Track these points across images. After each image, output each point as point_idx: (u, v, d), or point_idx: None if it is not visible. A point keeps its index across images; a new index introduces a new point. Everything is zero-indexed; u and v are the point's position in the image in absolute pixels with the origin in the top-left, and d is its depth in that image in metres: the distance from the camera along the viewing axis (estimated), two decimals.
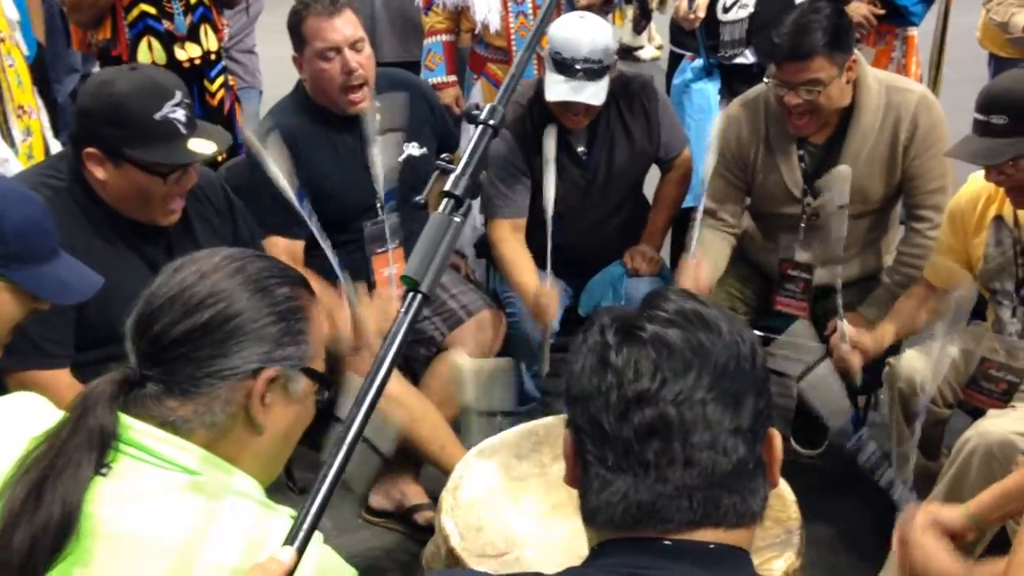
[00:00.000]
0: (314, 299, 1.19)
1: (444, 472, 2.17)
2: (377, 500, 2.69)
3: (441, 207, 0.90)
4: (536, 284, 2.69)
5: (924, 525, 1.73)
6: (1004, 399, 2.28)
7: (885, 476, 1.86)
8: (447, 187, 0.91)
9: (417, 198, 0.92)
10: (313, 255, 2.59)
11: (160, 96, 1.91)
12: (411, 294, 0.86)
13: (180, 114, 1.92)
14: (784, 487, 1.88)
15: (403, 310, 0.86)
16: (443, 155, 0.96)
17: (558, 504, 1.85)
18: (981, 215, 2.31)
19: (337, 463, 0.81)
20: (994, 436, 2.11)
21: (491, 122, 0.95)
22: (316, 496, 0.81)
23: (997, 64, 3.45)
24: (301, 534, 0.80)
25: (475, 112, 0.95)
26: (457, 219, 0.89)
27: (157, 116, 1.89)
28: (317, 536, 1.01)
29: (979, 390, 2.32)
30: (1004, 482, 1.82)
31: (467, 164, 0.91)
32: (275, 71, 3.81)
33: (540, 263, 2.86)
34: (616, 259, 2.94)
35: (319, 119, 2.59)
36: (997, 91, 2.12)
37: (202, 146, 1.95)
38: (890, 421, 2.49)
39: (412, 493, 2.64)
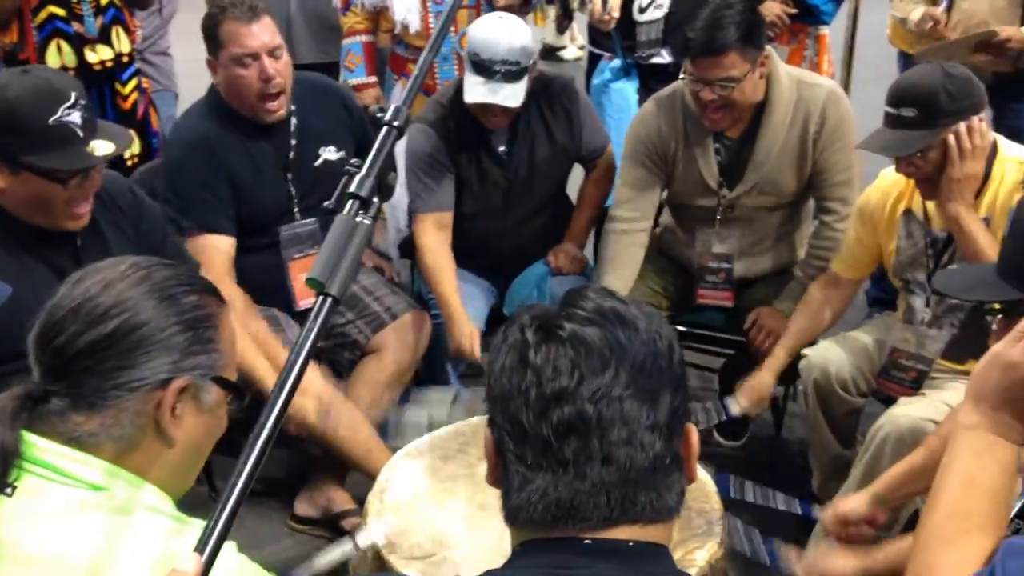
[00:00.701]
0: (224, 307, 1.17)
1: (370, 476, 2.15)
2: (303, 507, 2.66)
3: (346, 209, 0.89)
4: (457, 303, 2.70)
5: (829, 532, 1.78)
6: (915, 387, 2.35)
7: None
8: (351, 189, 0.90)
9: (326, 203, 0.91)
10: (240, 260, 2.56)
11: (54, 99, 1.84)
12: (320, 298, 0.85)
13: (76, 116, 1.86)
14: (706, 478, 1.91)
15: (313, 314, 0.85)
16: (353, 160, 0.95)
17: (485, 504, 1.86)
18: (891, 211, 2.38)
19: (247, 470, 0.80)
20: (905, 422, 2.17)
21: (396, 123, 0.95)
22: (226, 504, 0.79)
23: (906, 61, 3.55)
24: (211, 543, 0.79)
25: (379, 114, 0.94)
26: (363, 221, 0.88)
27: (51, 120, 1.83)
28: (230, 545, 0.99)
29: (891, 379, 2.39)
30: (908, 459, 1.89)
31: (371, 165, 0.90)
32: (191, 73, 3.73)
33: (466, 263, 2.87)
34: (540, 258, 2.96)
35: (234, 123, 2.55)
36: (906, 85, 2.18)
37: (102, 148, 1.90)
38: (807, 411, 2.55)
39: (338, 499, 2.62)
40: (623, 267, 2.76)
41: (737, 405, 2.50)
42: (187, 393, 1.12)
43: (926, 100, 2.12)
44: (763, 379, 2.53)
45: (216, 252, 2.50)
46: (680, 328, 2.80)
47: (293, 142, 2.60)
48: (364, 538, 1.78)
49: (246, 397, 1.14)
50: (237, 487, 0.79)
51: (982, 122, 2.14)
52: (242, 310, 2.44)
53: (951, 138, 2.11)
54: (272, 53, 2.47)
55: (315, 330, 0.84)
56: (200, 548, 0.79)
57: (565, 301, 0.98)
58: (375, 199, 0.91)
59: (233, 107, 2.54)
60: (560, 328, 0.94)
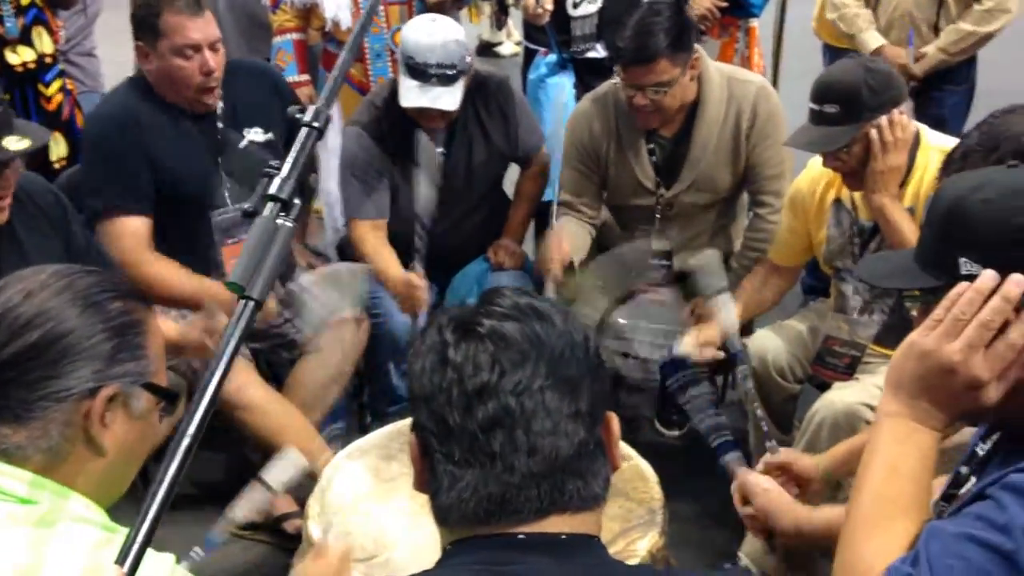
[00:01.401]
0: (150, 312, 1.15)
1: (312, 478, 2.13)
2: (242, 510, 2.62)
3: (267, 210, 0.89)
4: (402, 272, 2.68)
5: (766, 470, 1.82)
6: (848, 372, 2.40)
7: (705, 422, 1.94)
8: (271, 190, 0.89)
9: (246, 206, 0.90)
10: (171, 247, 2.52)
11: None
12: (242, 301, 0.84)
13: None
14: (647, 468, 1.93)
15: (234, 318, 0.84)
16: (273, 162, 0.94)
17: (428, 503, 1.85)
18: (821, 199, 2.43)
19: (169, 476, 0.79)
20: (840, 407, 2.22)
21: (315, 124, 0.94)
22: (147, 512, 0.78)
23: (832, 54, 3.62)
24: (132, 552, 0.77)
25: (298, 115, 0.94)
26: (284, 223, 0.87)
27: None
28: (166, 557, 0.97)
29: (825, 365, 2.43)
30: (852, 440, 1.94)
31: (292, 167, 0.90)
32: (119, 74, 3.66)
33: (406, 262, 2.85)
34: (479, 255, 2.96)
35: (163, 107, 2.51)
36: (829, 81, 2.22)
37: (14, 144, 1.86)
38: (745, 399, 2.58)
39: (280, 502, 2.59)
40: (576, 233, 2.77)
41: (686, 343, 2.54)
42: (116, 401, 1.10)
43: (848, 96, 2.16)
44: (712, 331, 2.55)
45: (131, 234, 2.44)
46: (621, 321, 2.83)
47: (220, 125, 2.57)
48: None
49: (178, 403, 1.13)
50: (159, 494, 0.78)
51: (903, 114, 2.18)
52: (176, 271, 2.45)
53: (874, 132, 2.16)
54: (213, 46, 2.45)
55: (237, 334, 0.83)
56: (121, 559, 0.78)
57: (482, 300, 1.00)
58: (296, 201, 0.90)
59: (163, 94, 2.49)
60: (478, 325, 0.95)
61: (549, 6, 3.19)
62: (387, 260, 2.76)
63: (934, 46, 3.29)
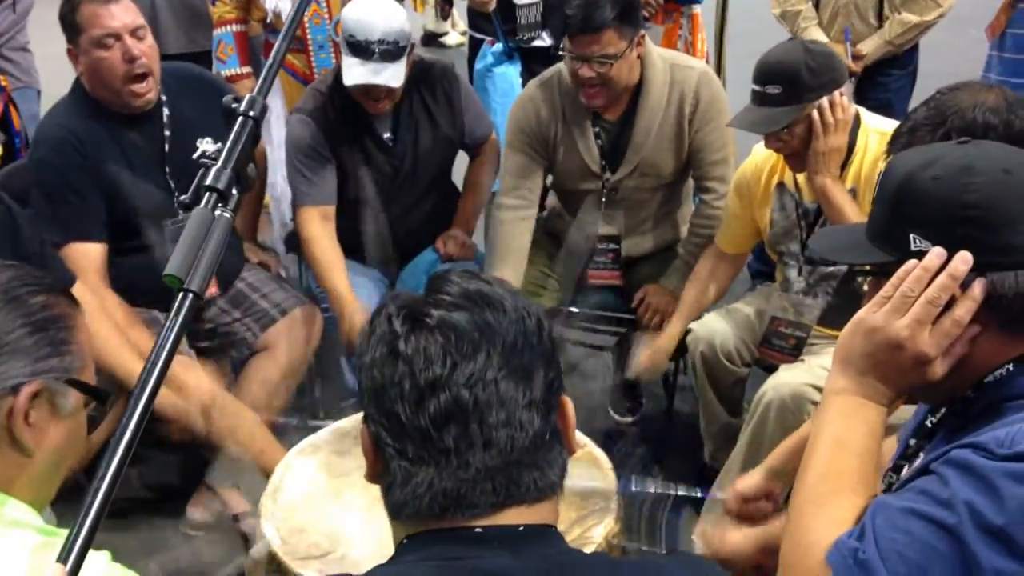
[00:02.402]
0: (77, 307, 1.11)
1: (265, 476, 2.11)
2: (197, 512, 2.59)
3: (203, 202, 0.86)
4: (348, 292, 2.65)
5: (734, 510, 1.82)
6: (795, 354, 2.43)
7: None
8: (208, 181, 0.87)
9: (182, 197, 0.88)
10: (119, 261, 2.48)
11: None
12: (180, 294, 0.82)
13: None
14: (601, 456, 1.94)
15: (172, 312, 0.82)
16: (210, 152, 0.92)
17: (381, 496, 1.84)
18: (766, 184, 2.46)
19: (110, 474, 0.76)
20: (786, 389, 2.25)
21: (251, 114, 0.92)
22: (88, 512, 0.76)
23: None
24: (74, 551, 0.75)
25: (234, 104, 0.92)
26: (223, 214, 0.85)
27: None
28: (102, 555, 0.95)
29: (772, 347, 2.47)
30: (797, 432, 1.95)
31: (227, 157, 0.88)
32: (54, 69, 3.57)
33: (355, 253, 2.83)
34: (428, 245, 2.94)
35: (103, 117, 2.45)
36: (771, 62, 2.24)
37: None
38: (695, 383, 2.61)
39: (233, 501, 2.56)
40: (512, 254, 2.77)
41: (636, 367, 2.60)
42: (41, 398, 1.06)
43: (790, 77, 2.18)
44: (660, 346, 2.63)
45: (87, 262, 2.39)
46: (572, 309, 2.84)
47: (167, 133, 2.52)
48: (257, 550, 1.74)
49: (108, 400, 1.09)
50: (100, 493, 0.76)
51: (843, 96, 2.22)
52: (123, 321, 2.37)
53: (815, 113, 2.19)
54: (134, 33, 2.39)
55: (176, 328, 0.81)
56: (63, 558, 0.75)
57: (430, 287, 0.97)
58: (234, 191, 0.88)
59: (100, 98, 2.44)
60: (428, 316, 0.93)
61: None
62: (333, 270, 2.71)
63: (879, 38, 3.34)
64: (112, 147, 2.45)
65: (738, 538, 1.69)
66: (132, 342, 2.33)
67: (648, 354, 2.65)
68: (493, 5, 3.20)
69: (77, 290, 1.13)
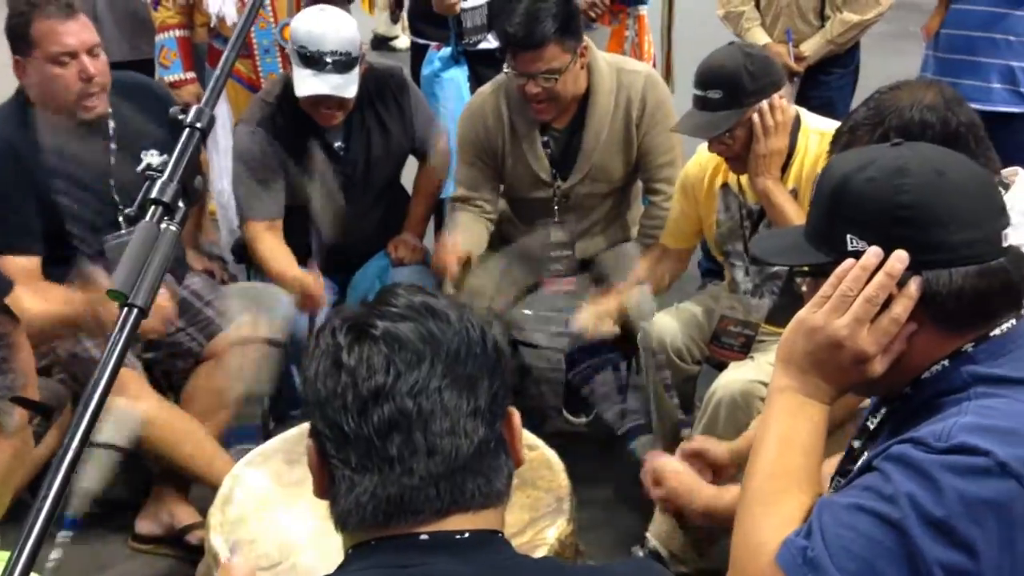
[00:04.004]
0: (16, 324, 1.09)
1: (213, 488, 2.09)
2: (145, 525, 2.55)
3: (149, 215, 0.86)
4: (298, 271, 2.63)
5: (682, 457, 1.86)
6: (744, 351, 2.46)
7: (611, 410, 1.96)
8: (153, 194, 0.86)
9: (128, 210, 0.87)
10: (52, 273, 2.43)
11: None
12: (125, 309, 0.81)
13: None
14: (553, 457, 1.95)
15: (117, 327, 0.81)
16: (156, 164, 0.91)
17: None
18: (710, 184, 2.49)
19: (52, 495, 0.75)
20: (736, 386, 2.28)
21: (198, 125, 0.92)
22: (31, 531, 0.74)
23: None
24: (18, 569, 0.73)
25: (180, 116, 0.91)
26: (169, 227, 0.84)
27: None
28: None
29: (721, 345, 2.50)
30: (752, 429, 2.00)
31: (174, 169, 0.87)
32: None
33: (306, 262, 2.80)
34: (379, 251, 2.93)
35: (47, 130, 2.40)
36: (711, 67, 2.27)
37: None
38: (647, 382, 2.63)
39: (182, 514, 2.52)
40: (469, 230, 2.76)
41: (581, 320, 2.56)
42: None
43: (730, 81, 2.21)
44: (608, 303, 2.59)
45: (23, 276, 2.33)
46: (527, 312, 2.85)
47: (113, 146, 2.48)
48: (205, 563, 1.72)
49: (53, 416, 1.08)
50: (43, 512, 0.74)
51: (782, 98, 2.25)
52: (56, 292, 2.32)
53: (755, 116, 2.22)
54: (91, 51, 2.37)
55: (120, 343, 0.80)
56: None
57: (376, 300, 0.98)
58: (180, 204, 0.87)
59: (44, 110, 2.39)
60: (372, 327, 0.93)
61: None
62: (282, 261, 2.71)
63: (821, 37, 3.40)
64: (54, 158, 2.41)
65: (695, 486, 1.72)
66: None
67: (595, 310, 2.57)
68: (460, 6, 3.18)
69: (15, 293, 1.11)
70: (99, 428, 1.67)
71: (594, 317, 2.57)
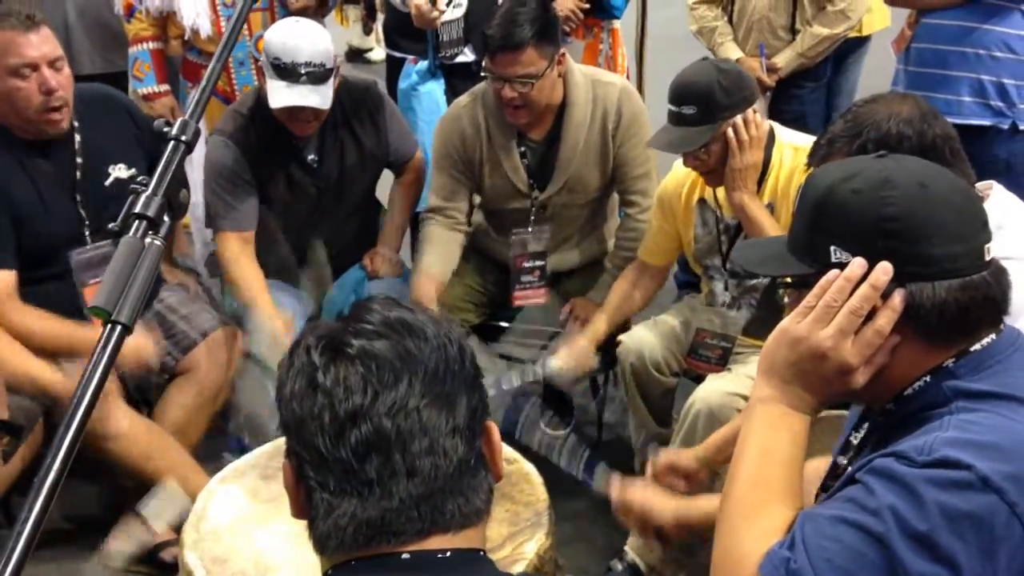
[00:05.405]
0: None
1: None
2: (118, 542, 2.51)
3: (133, 229, 0.84)
4: (270, 307, 2.61)
5: (653, 477, 1.86)
6: (721, 364, 2.48)
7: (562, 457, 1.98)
8: (137, 208, 0.85)
9: (111, 225, 0.86)
10: (28, 291, 2.40)
11: None
12: (108, 326, 0.79)
13: None
14: (532, 470, 1.94)
15: (100, 344, 0.79)
16: (140, 178, 0.90)
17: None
18: (687, 200, 2.50)
19: (35, 513, 0.73)
20: (714, 398, 2.29)
21: (183, 138, 0.90)
22: (13, 551, 0.73)
23: None
24: None
25: (165, 128, 0.90)
26: (154, 241, 0.83)
27: None
28: None
29: (699, 358, 2.51)
30: (728, 425, 2.02)
31: (158, 183, 0.86)
32: None
33: (279, 275, 2.78)
34: (354, 263, 2.92)
35: (10, 144, 2.39)
36: (685, 83, 2.29)
37: None
38: (625, 395, 2.64)
39: (156, 530, 2.48)
40: (442, 246, 2.76)
41: (556, 361, 2.55)
42: None
43: (704, 97, 2.23)
44: (582, 342, 2.59)
45: None
46: (502, 324, 2.84)
47: (79, 160, 2.45)
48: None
49: (22, 435, 1.06)
50: (24, 533, 0.73)
51: (756, 113, 2.27)
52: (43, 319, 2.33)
53: (730, 131, 2.24)
54: (53, 65, 2.34)
55: (104, 362, 0.78)
56: None
57: (351, 316, 0.96)
58: (165, 218, 0.86)
59: (8, 125, 2.36)
60: (348, 345, 0.92)
61: (443, 6, 3.15)
62: (253, 288, 2.66)
63: (792, 51, 3.44)
64: (18, 174, 2.39)
65: (663, 502, 1.73)
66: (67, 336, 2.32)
67: (568, 352, 2.57)
68: (441, 18, 3.18)
69: None
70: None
71: (575, 358, 2.57)
